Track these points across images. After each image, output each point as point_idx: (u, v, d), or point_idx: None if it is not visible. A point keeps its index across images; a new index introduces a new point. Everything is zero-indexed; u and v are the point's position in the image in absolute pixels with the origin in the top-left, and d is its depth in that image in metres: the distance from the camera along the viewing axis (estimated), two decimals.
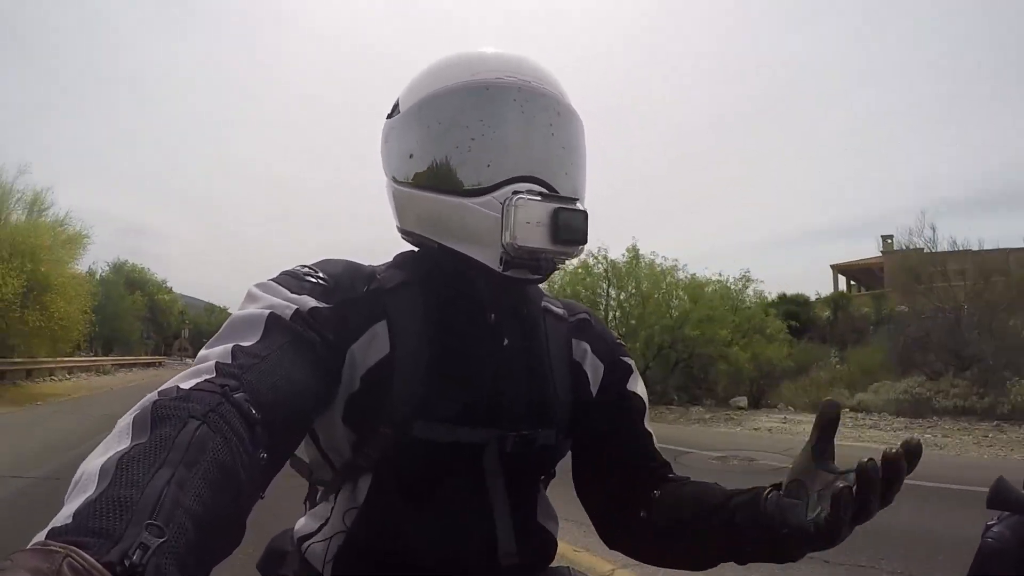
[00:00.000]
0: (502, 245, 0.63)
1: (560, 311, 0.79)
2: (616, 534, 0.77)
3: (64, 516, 0.34)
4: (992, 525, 0.78)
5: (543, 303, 0.78)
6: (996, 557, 0.74)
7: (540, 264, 0.66)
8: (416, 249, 0.75)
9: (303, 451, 0.73)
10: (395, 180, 0.73)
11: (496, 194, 0.64)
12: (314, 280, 0.64)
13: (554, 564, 0.78)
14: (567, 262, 0.68)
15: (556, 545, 0.78)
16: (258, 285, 0.63)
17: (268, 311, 0.58)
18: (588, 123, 0.74)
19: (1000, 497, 0.78)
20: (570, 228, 0.63)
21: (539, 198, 0.63)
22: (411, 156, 0.69)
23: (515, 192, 0.63)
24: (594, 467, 0.78)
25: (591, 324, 0.81)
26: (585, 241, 0.65)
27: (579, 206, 0.66)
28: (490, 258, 0.65)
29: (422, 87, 0.70)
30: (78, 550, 0.30)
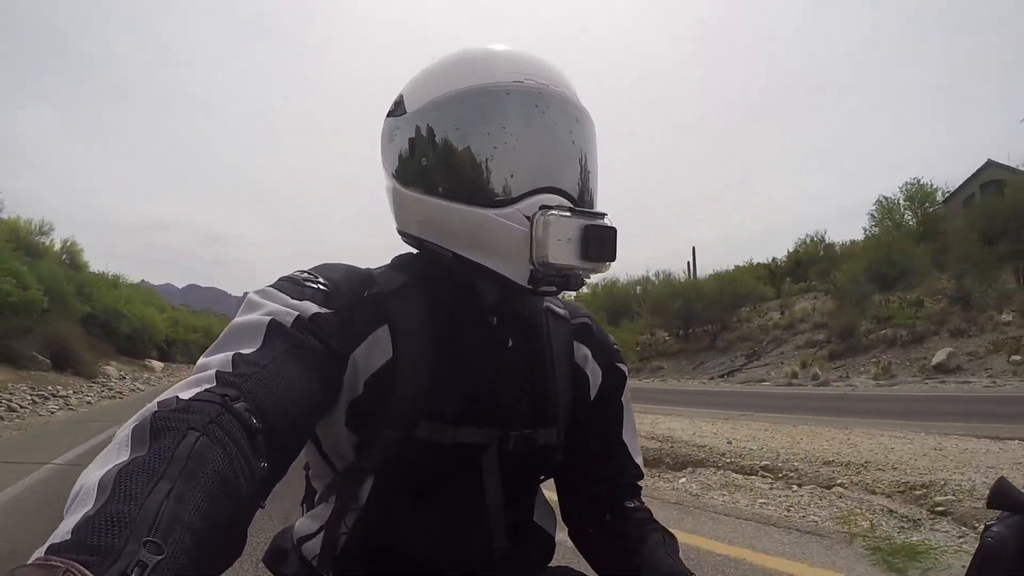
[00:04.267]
0: (531, 262, 0.61)
1: (562, 312, 0.79)
2: (574, 532, 0.82)
3: (63, 532, 0.34)
4: (991, 525, 0.78)
5: (545, 303, 0.78)
6: (995, 557, 0.74)
7: (569, 280, 0.64)
8: (415, 251, 0.74)
9: (304, 453, 0.73)
10: (399, 182, 0.71)
11: (521, 206, 0.62)
12: (314, 285, 0.64)
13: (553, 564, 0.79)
14: (591, 276, 0.66)
15: (554, 544, 0.78)
16: (258, 292, 0.62)
17: (269, 318, 0.57)
18: None
19: (1000, 497, 0.77)
20: (601, 245, 0.62)
21: (569, 214, 0.62)
22: (423, 160, 0.67)
23: (543, 206, 0.61)
24: (567, 469, 0.78)
25: (592, 329, 0.81)
26: (615, 258, 0.63)
27: (607, 221, 0.64)
28: (518, 274, 0.63)
29: (433, 87, 0.68)
30: (78, 565, 0.30)
